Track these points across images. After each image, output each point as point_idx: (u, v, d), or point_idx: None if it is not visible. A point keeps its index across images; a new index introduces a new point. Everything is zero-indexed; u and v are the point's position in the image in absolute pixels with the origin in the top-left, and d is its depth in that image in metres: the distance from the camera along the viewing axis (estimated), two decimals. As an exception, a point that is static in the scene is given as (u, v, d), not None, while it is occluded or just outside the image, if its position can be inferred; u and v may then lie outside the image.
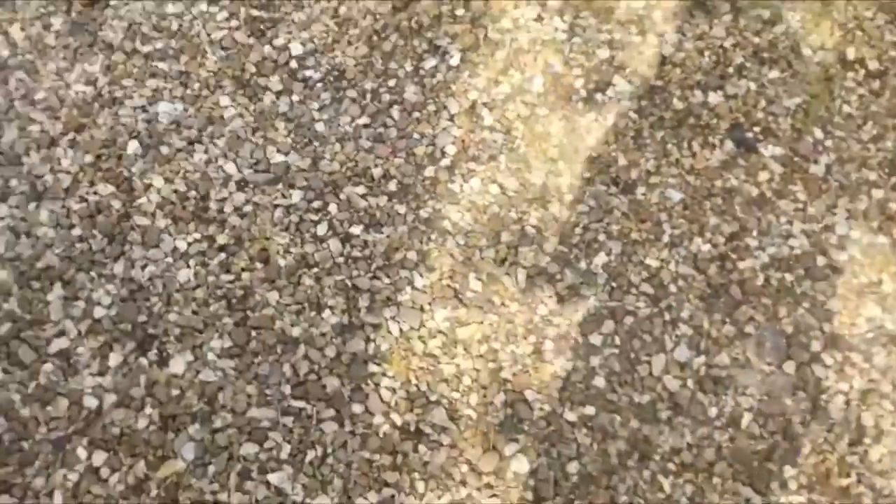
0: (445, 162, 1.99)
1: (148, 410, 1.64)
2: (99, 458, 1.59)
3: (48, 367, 1.66)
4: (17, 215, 1.81)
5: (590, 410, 1.72)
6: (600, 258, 1.89)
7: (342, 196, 1.92)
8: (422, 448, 1.66)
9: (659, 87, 2.11)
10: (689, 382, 1.77)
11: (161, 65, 2.05)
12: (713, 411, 1.74)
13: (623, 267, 1.89)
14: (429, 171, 1.98)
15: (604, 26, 2.18)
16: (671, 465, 1.68)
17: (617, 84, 2.11)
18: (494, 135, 2.02)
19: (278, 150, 1.97)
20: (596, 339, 1.80)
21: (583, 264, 1.88)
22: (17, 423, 1.60)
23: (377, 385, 1.71)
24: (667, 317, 1.84)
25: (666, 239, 1.92)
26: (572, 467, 1.66)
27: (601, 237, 1.92)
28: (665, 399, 1.74)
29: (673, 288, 1.87)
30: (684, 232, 1.93)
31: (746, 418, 1.73)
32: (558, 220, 1.93)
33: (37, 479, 1.56)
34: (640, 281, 1.87)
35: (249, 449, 1.63)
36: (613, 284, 1.86)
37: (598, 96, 2.09)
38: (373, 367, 1.73)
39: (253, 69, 2.07)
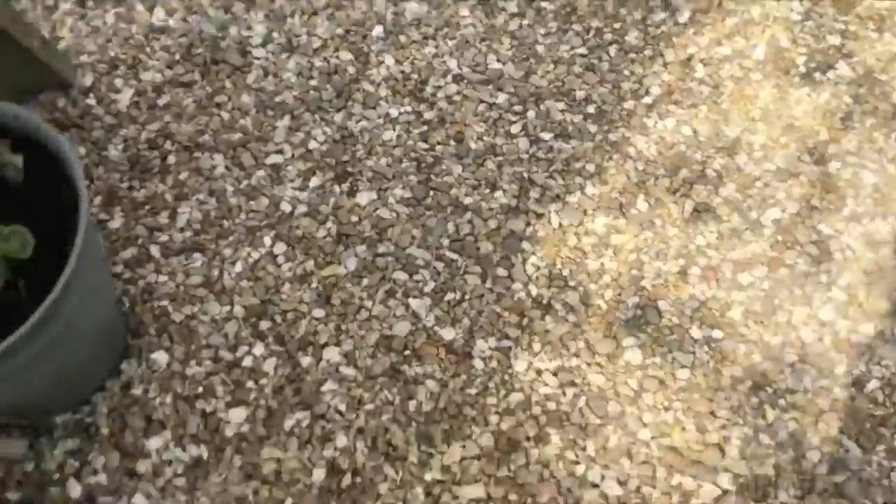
0: (647, 100, 2.33)
1: (329, 225, 2.10)
2: (279, 248, 2.07)
3: (261, 173, 2.18)
4: (270, 59, 2.37)
5: (717, 334, 1.96)
6: (773, 213, 2.13)
7: (542, 107, 2.31)
8: (548, 318, 1.99)
9: (882, 80, 2.33)
10: (826, 339, 1.96)
11: (421, -25, 2.56)
12: (841, 369, 1.92)
13: (794, 226, 2.12)
14: (628, 104, 2.32)
15: (841, 17, 2.44)
16: (781, 401, 1.88)
17: (839, 68, 2.35)
18: (702, 87, 2.33)
19: (498, 59, 2.40)
20: (744, 279, 2.04)
21: (754, 213, 2.13)
22: (223, 206, 2.12)
23: (525, 260, 2.07)
24: (823, 279, 2.04)
25: (846, 212, 2.13)
26: (683, 373, 1.91)
27: (780, 195, 2.16)
28: (796, 346, 1.95)
29: (839, 256, 2.07)
30: (867, 211, 2.13)
31: (873, 384, 1.90)
32: (741, 171, 2.20)
33: (226, 249, 2.06)
34: (808, 242, 2.09)
35: (401, 275, 2.04)
36: (779, 238, 2.10)
37: (817, 75, 2.34)
38: (525, 245, 2.09)
39: (498, -7, 2.53)
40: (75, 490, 1.80)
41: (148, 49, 2.36)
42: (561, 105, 2.32)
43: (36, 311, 1.40)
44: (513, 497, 1.77)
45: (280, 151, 2.22)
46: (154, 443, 1.84)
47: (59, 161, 1.59)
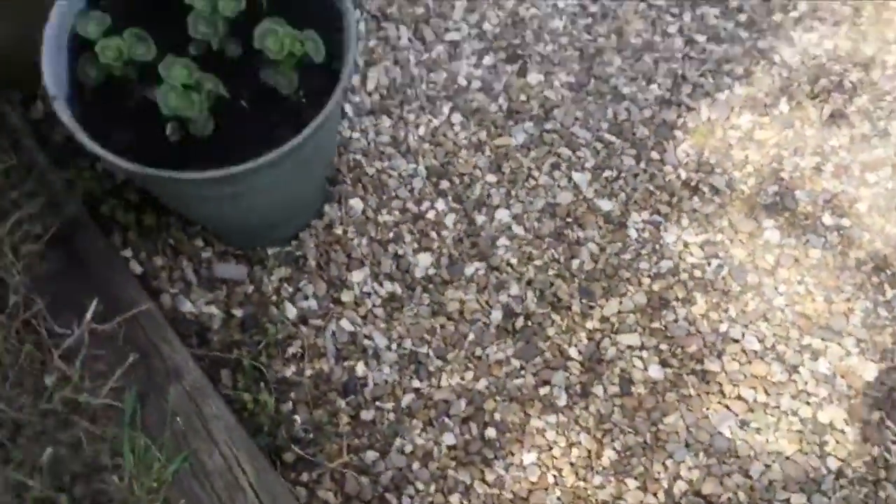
0: (794, 14, 2.78)
1: (500, 101, 2.59)
2: (456, 118, 2.56)
3: (440, 48, 2.66)
4: (445, -55, 2.82)
5: (845, 222, 2.45)
6: (903, 126, 2.60)
7: (697, 11, 2.77)
8: (695, 199, 2.48)
9: None
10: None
11: None
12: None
13: (920, 139, 2.58)
14: (777, 17, 2.77)
15: (981, -55, 2.86)
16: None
17: (974, -4, 2.78)
18: (844, 8, 2.78)
19: (656, -38, 2.84)
20: (871, 178, 2.52)
21: (882, 123, 2.60)
22: (406, 74, 2.61)
23: (676, 146, 2.55)
24: (943, 187, 2.52)
25: (969, 126, 2.60)
26: (814, 253, 2.40)
27: (912, 109, 2.62)
28: (915, 241, 2.43)
29: (959, 169, 2.54)
30: None
31: (982, 277, 2.39)
32: (875, 84, 2.66)
33: (410, 114, 2.56)
34: (933, 153, 2.56)
35: (565, 151, 2.53)
36: (905, 148, 2.57)
37: (952, 1, 2.78)
38: (677, 133, 2.57)
39: None
40: (291, 311, 2.32)
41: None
42: (715, 11, 2.77)
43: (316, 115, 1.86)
44: (664, 346, 2.28)
45: (458, 30, 2.69)
46: (356, 276, 2.36)
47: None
